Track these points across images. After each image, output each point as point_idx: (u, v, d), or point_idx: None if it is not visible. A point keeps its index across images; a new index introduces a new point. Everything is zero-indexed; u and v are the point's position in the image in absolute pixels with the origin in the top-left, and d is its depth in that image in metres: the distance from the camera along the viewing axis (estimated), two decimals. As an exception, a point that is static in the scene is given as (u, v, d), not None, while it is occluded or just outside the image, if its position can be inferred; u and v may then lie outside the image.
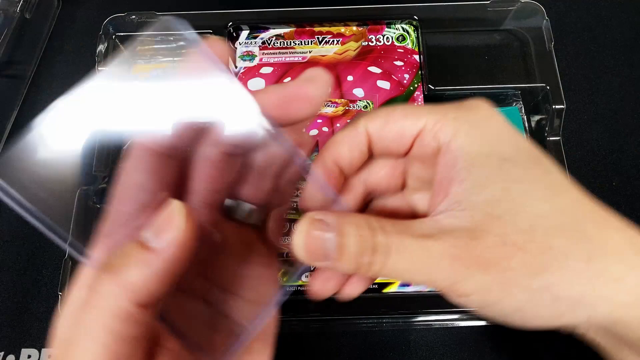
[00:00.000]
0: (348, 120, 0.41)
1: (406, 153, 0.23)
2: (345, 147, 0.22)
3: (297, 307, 0.36)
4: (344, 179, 0.23)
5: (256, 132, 0.20)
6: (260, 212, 0.23)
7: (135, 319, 0.17)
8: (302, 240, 0.20)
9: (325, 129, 0.41)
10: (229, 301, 0.23)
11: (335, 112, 0.41)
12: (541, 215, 0.19)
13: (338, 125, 0.41)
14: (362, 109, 0.41)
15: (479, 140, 0.20)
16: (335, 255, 0.20)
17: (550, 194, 0.20)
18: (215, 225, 0.23)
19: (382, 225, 0.20)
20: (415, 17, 0.45)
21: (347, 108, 0.41)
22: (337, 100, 0.42)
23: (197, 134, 0.21)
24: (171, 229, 0.18)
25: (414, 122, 0.21)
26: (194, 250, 0.18)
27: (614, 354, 0.22)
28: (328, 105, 0.41)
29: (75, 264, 0.37)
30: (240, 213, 0.23)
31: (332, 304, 0.36)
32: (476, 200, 0.19)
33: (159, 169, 0.21)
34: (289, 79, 0.43)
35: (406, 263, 0.19)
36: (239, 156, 0.22)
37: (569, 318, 0.20)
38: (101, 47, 0.44)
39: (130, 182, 0.21)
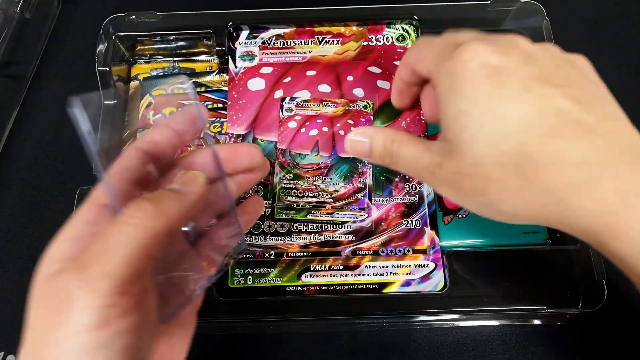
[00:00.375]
0: (349, 121, 0.41)
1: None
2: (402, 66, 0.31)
3: (297, 307, 0.36)
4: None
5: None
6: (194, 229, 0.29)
7: (161, 242, 0.22)
8: (350, 140, 0.30)
9: (325, 129, 0.41)
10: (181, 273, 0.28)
11: (335, 112, 0.41)
12: (486, 154, 0.24)
13: (338, 125, 0.41)
14: (362, 109, 0.41)
15: (449, 84, 0.26)
16: (367, 152, 0.30)
17: (496, 141, 0.24)
18: None
19: (400, 139, 0.28)
20: (415, 17, 0.45)
21: (347, 108, 0.41)
22: (337, 100, 0.42)
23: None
24: (194, 183, 0.25)
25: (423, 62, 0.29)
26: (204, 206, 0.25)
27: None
28: (328, 105, 0.41)
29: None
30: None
31: (332, 304, 0.36)
32: (447, 134, 0.26)
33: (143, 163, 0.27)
34: (289, 78, 0.43)
35: (407, 165, 0.28)
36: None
37: (514, 221, 0.26)
38: (101, 47, 0.44)
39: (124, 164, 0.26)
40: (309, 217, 0.38)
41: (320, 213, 0.39)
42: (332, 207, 0.39)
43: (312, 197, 0.39)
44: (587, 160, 0.22)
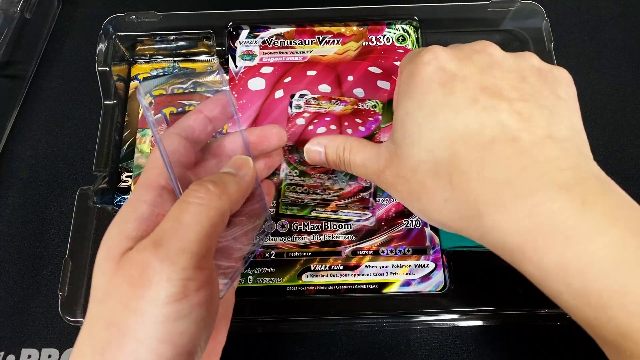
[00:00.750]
0: (357, 120, 0.41)
1: None
2: None
3: (297, 307, 0.36)
4: None
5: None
6: None
7: (225, 222, 0.24)
8: (307, 150, 0.33)
9: (333, 127, 0.41)
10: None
11: (344, 111, 0.41)
12: (423, 160, 0.25)
13: (346, 123, 0.41)
14: (371, 109, 0.41)
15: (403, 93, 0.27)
16: (323, 161, 0.33)
17: (433, 149, 0.25)
18: None
19: (350, 146, 0.31)
20: (415, 17, 0.45)
21: (356, 107, 0.41)
22: (346, 99, 0.42)
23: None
24: (247, 166, 0.27)
25: None
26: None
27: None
28: (337, 104, 0.41)
29: (75, 264, 0.37)
30: None
31: (332, 304, 0.36)
32: (391, 137, 0.28)
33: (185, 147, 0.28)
34: (289, 78, 0.43)
35: (358, 171, 0.31)
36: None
37: (445, 229, 0.27)
38: (101, 47, 0.44)
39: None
40: (313, 214, 0.38)
41: (325, 210, 0.39)
42: (336, 205, 0.39)
43: (317, 194, 0.39)
44: (508, 180, 0.22)
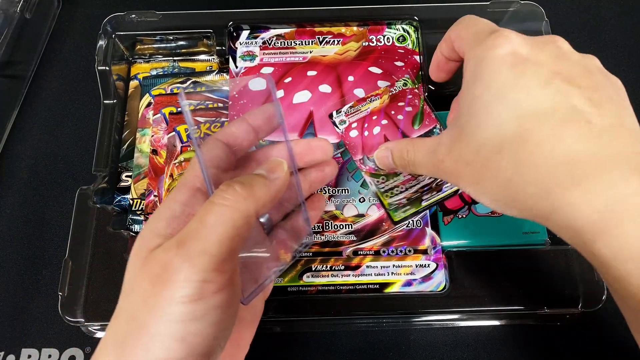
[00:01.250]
0: (399, 104, 0.41)
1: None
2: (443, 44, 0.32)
3: (298, 307, 0.36)
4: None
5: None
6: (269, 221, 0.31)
7: (250, 224, 0.24)
8: (377, 157, 0.36)
9: (384, 121, 0.40)
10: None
11: (383, 103, 0.40)
12: (488, 138, 0.25)
13: (393, 112, 0.40)
14: (404, 87, 0.41)
15: (471, 77, 0.27)
16: (392, 164, 0.34)
17: (500, 124, 0.25)
18: None
19: (412, 147, 0.31)
20: (415, 17, 0.45)
21: (391, 93, 0.41)
22: (377, 92, 0.41)
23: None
24: (280, 169, 0.26)
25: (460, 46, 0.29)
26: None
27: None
28: (373, 100, 0.41)
29: (75, 264, 0.37)
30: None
31: (333, 304, 0.36)
32: (454, 124, 0.27)
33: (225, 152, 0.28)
34: (289, 79, 0.43)
35: (422, 170, 0.31)
36: None
37: (506, 212, 0.26)
38: (101, 46, 0.44)
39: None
40: (424, 204, 0.38)
41: (432, 194, 0.38)
42: (436, 184, 0.38)
43: (414, 185, 0.38)
44: (584, 160, 0.22)
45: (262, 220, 0.30)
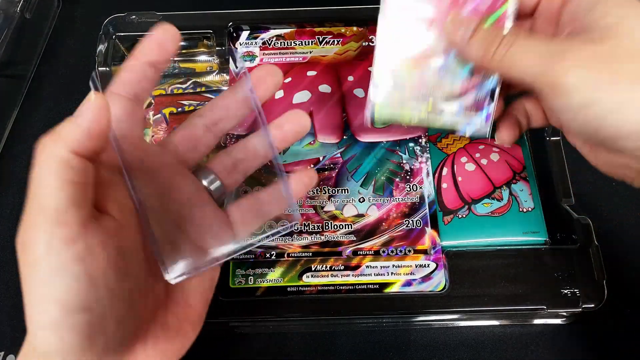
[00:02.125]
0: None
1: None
2: None
3: (298, 307, 0.36)
4: None
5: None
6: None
7: (73, 165, 0.22)
8: (450, 18, 0.27)
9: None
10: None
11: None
12: (632, 37, 0.23)
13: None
14: None
15: None
16: (468, 35, 0.26)
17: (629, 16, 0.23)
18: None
19: (514, 29, 0.26)
20: (415, 17, 0.45)
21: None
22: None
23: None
24: (89, 107, 0.25)
25: None
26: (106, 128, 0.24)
27: None
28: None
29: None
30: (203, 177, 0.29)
31: (333, 304, 0.36)
32: (597, 24, 0.24)
33: None
34: (289, 79, 0.43)
35: (523, 54, 0.25)
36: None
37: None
38: (101, 47, 0.44)
39: None
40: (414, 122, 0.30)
41: (425, 110, 0.30)
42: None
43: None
44: None
45: (205, 183, 0.28)
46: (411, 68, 0.29)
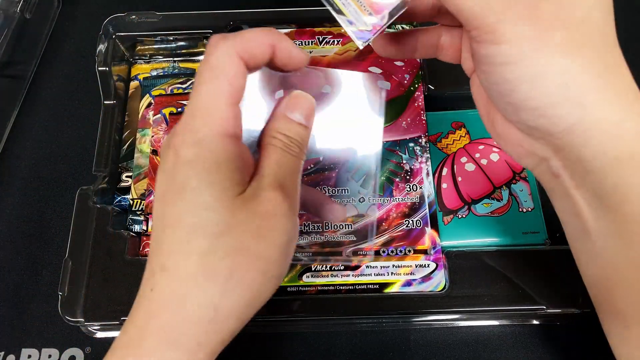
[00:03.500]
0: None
1: None
2: None
3: (298, 307, 0.36)
4: None
5: None
6: None
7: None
8: None
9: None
10: None
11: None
12: (591, 19, 0.23)
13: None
14: None
15: None
16: None
17: (608, 15, 0.24)
18: None
19: None
20: (415, 17, 0.45)
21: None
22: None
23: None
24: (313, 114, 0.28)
25: None
26: None
27: (561, 192, 0.26)
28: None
29: (75, 264, 0.37)
30: None
31: (333, 304, 0.36)
32: None
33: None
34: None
35: None
36: None
37: (560, 111, 0.23)
38: (101, 47, 0.44)
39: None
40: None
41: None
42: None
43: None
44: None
45: None
46: None
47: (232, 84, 0.25)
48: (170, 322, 0.23)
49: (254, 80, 0.28)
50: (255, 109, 0.29)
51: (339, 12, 0.27)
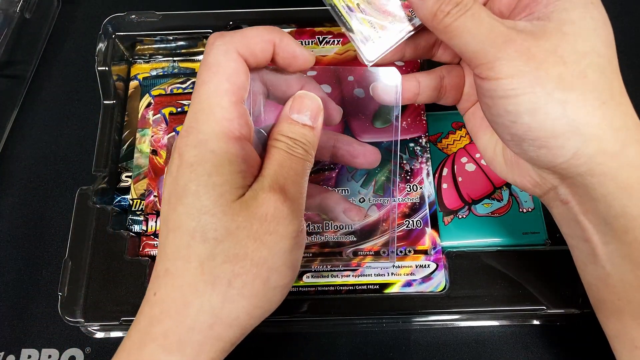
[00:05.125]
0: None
1: None
2: None
3: (298, 307, 0.36)
4: None
5: None
6: None
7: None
8: None
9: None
10: None
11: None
12: (595, 52, 0.23)
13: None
14: None
15: None
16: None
17: (609, 44, 0.25)
18: None
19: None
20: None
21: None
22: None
23: None
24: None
25: None
26: None
27: (569, 218, 0.26)
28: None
29: (75, 264, 0.37)
30: None
31: (333, 304, 0.36)
32: (554, 16, 0.24)
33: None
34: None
35: (472, 26, 0.24)
36: None
37: (561, 142, 0.23)
38: (101, 47, 0.44)
39: None
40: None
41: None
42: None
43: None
44: None
45: None
46: None
47: (232, 82, 0.25)
48: (171, 328, 0.23)
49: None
50: (270, 111, 0.29)
51: (351, 30, 0.28)
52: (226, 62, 0.25)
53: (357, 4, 0.28)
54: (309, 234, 0.38)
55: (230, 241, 0.23)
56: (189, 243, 0.23)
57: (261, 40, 0.26)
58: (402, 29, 0.28)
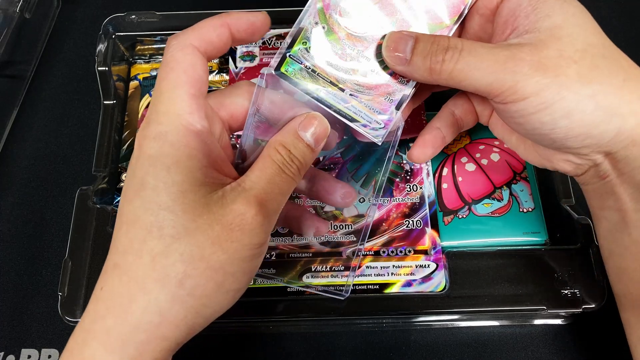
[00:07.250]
0: None
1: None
2: None
3: (298, 307, 0.36)
4: None
5: None
6: None
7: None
8: (387, 40, 0.27)
9: None
10: None
11: None
12: (591, 44, 0.25)
13: None
14: None
15: None
16: (409, 55, 0.26)
17: (597, 31, 0.26)
18: None
19: (458, 44, 0.25)
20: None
21: None
22: None
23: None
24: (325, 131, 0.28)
25: None
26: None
27: (604, 191, 0.27)
28: None
29: (75, 264, 0.37)
30: None
31: (333, 304, 0.36)
32: (541, 26, 0.25)
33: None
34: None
35: (475, 62, 0.25)
36: None
37: (603, 128, 0.25)
38: (101, 47, 0.44)
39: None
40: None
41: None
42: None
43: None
44: None
45: None
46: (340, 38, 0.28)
47: (189, 74, 0.24)
48: (114, 326, 0.23)
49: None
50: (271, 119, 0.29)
51: (352, 120, 0.29)
52: (182, 57, 0.25)
53: (348, 93, 0.29)
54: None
55: (188, 241, 0.23)
56: (145, 238, 0.23)
57: (213, 27, 0.26)
58: (401, 99, 0.29)
